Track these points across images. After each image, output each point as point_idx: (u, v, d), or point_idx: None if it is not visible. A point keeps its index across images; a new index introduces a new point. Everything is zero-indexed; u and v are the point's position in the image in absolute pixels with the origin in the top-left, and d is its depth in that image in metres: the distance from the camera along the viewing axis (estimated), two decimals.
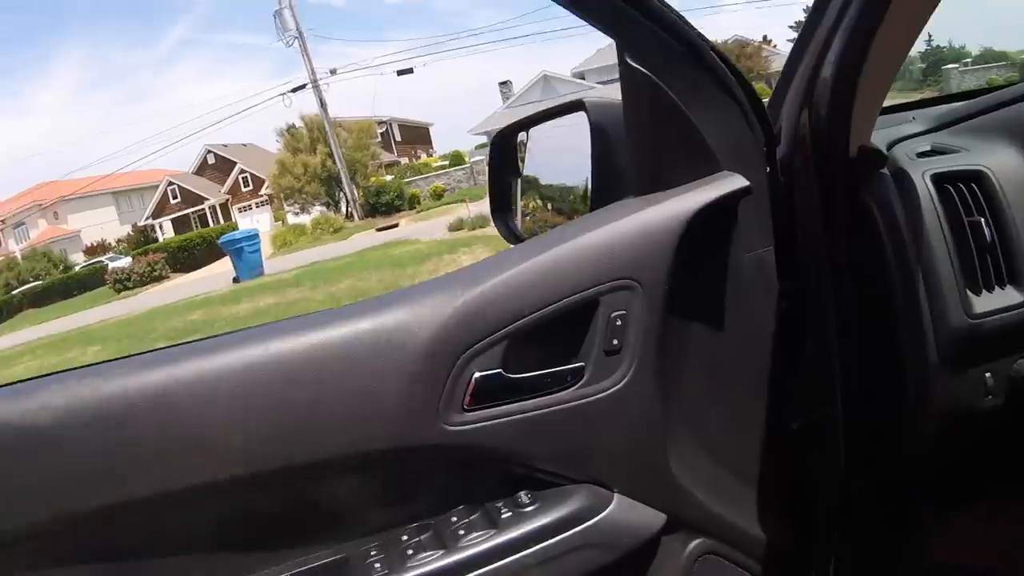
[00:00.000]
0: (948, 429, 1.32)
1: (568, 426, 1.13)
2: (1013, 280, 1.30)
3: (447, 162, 39.77)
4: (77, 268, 38.64)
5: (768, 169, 1.25)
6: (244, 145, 50.62)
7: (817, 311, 1.31)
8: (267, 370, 0.99)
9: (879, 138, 1.39)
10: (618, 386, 1.14)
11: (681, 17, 1.16)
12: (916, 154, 1.39)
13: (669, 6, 1.14)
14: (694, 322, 1.24)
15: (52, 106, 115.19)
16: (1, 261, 39.68)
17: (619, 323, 1.14)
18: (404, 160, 46.37)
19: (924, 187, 1.28)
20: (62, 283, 35.35)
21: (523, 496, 1.14)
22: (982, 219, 1.28)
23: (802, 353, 1.33)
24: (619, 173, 1.30)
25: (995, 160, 1.33)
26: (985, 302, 1.28)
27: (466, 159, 37.54)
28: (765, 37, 43.39)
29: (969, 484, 1.48)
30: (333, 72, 34.94)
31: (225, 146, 49.16)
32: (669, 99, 1.17)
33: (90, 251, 43.03)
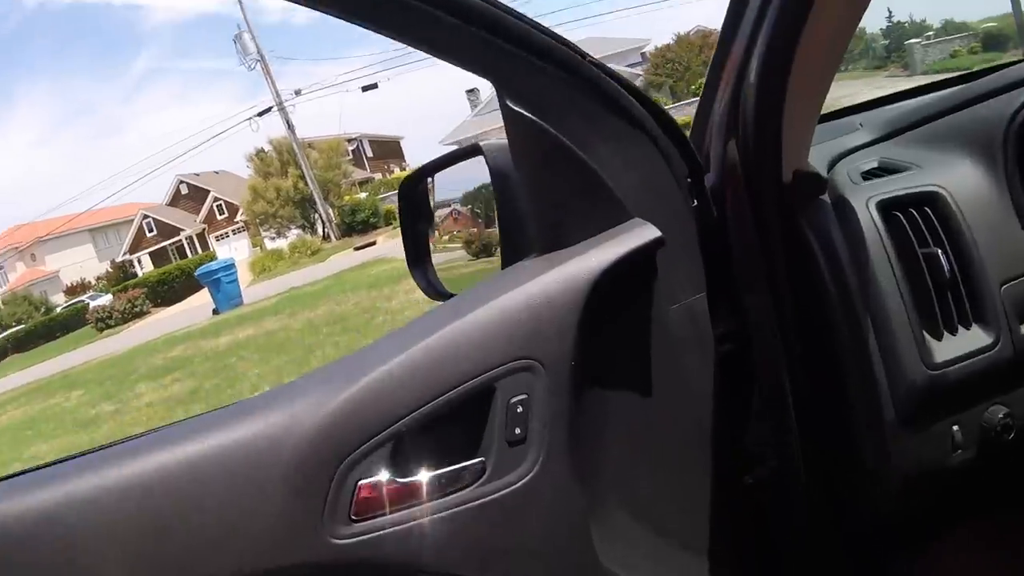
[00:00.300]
0: (913, 490, 1.18)
1: (474, 528, 1.01)
2: (979, 318, 1.15)
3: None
4: (58, 309, 38.41)
5: (696, 204, 1.15)
6: (216, 172, 50.27)
7: (763, 357, 1.19)
8: (150, 487, 0.91)
9: (819, 155, 1.28)
10: (526, 479, 1.01)
11: (571, 45, 1.06)
12: (861, 174, 1.27)
13: (555, 35, 1.05)
14: (615, 391, 1.12)
15: (20, 147, 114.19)
16: None
17: (520, 410, 1.02)
18: (378, 176, 46.17)
19: (869, 217, 1.14)
20: (44, 325, 35.18)
21: None
22: (939, 250, 1.13)
23: (750, 401, 1.24)
24: (527, 223, 1.17)
25: (952, 177, 1.19)
26: (947, 348, 1.13)
27: None
28: None
29: (940, 529, 1.35)
30: (298, 93, 34.65)
31: (197, 175, 48.70)
32: (559, 142, 1.05)
33: (71, 291, 42.75)
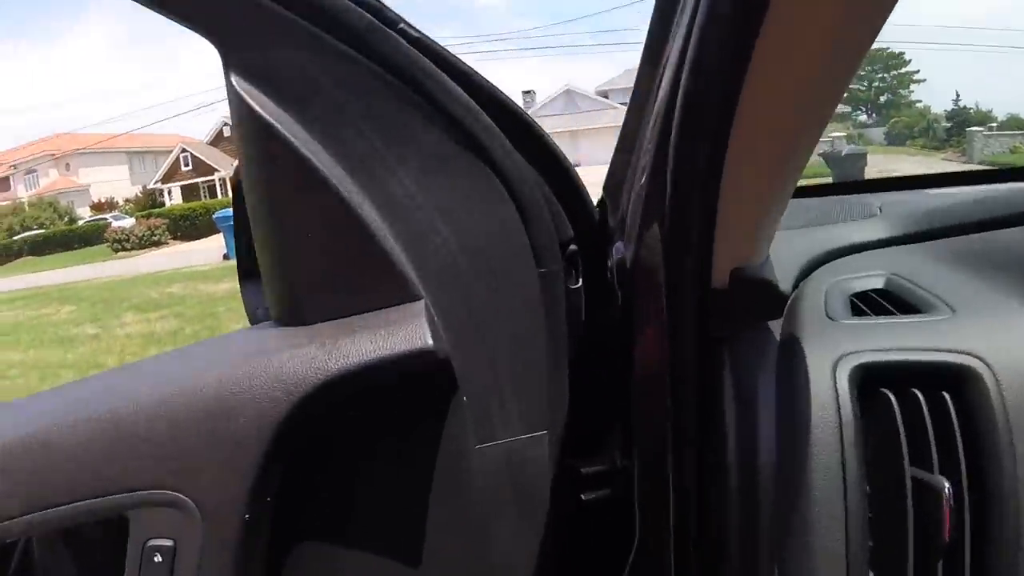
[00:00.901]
0: None
1: None
2: None
3: None
4: (81, 222, 38.52)
5: (579, 285, 0.85)
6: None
7: (645, 530, 0.81)
8: None
9: (797, 248, 0.85)
10: None
11: (389, 17, 0.73)
12: (850, 297, 0.76)
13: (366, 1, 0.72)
14: (364, 561, 0.81)
15: (80, 55, 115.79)
16: (7, 205, 39.64)
17: (157, 559, 0.70)
18: None
19: (831, 389, 0.63)
20: (64, 235, 35.27)
21: None
22: (944, 481, 0.58)
23: None
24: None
25: (1004, 338, 0.62)
26: None
27: None
28: None
29: None
30: None
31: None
32: (310, 163, 0.72)
33: (97, 207, 42.85)
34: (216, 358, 0.76)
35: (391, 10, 0.72)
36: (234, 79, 0.70)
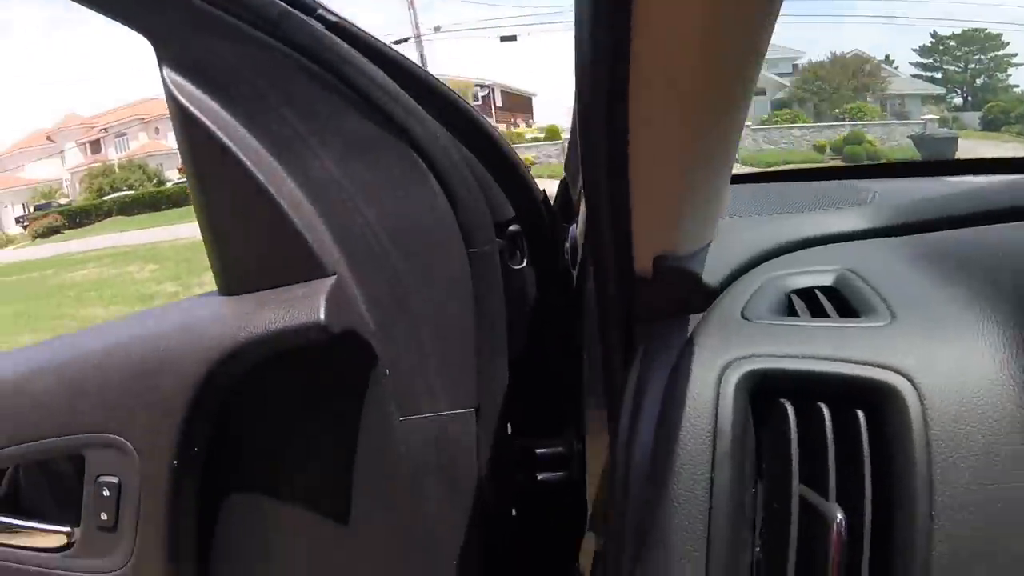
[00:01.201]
0: None
1: None
2: None
3: (542, 135, 39.37)
4: (169, 184, 39.60)
5: (525, 264, 0.85)
6: None
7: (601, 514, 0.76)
8: None
9: (754, 237, 0.77)
10: (114, 573, 0.84)
11: (307, 4, 0.75)
12: (788, 294, 0.68)
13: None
14: (279, 503, 0.88)
15: None
16: (98, 167, 40.97)
17: (106, 493, 0.82)
18: (502, 127, 46.29)
19: (713, 398, 0.56)
20: (152, 196, 36.28)
21: None
22: (838, 510, 0.50)
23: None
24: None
25: (945, 355, 0.53)
26: None
27: (561, 135, 36.70)
28: (887, 57, 41.90)
29: None
30: (437, 29, 34.83)
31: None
32: (240, 140, 0.78)
33: (184, 171, 44.02)
34: (157, 323, 0.86)
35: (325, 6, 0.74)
36: (165, 72, 0.75)
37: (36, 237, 32.45)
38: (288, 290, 0.80)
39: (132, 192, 37.62)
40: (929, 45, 39.82)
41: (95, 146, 44.01)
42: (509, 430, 0.91)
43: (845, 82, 32.53)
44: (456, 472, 0.86)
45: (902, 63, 41.46)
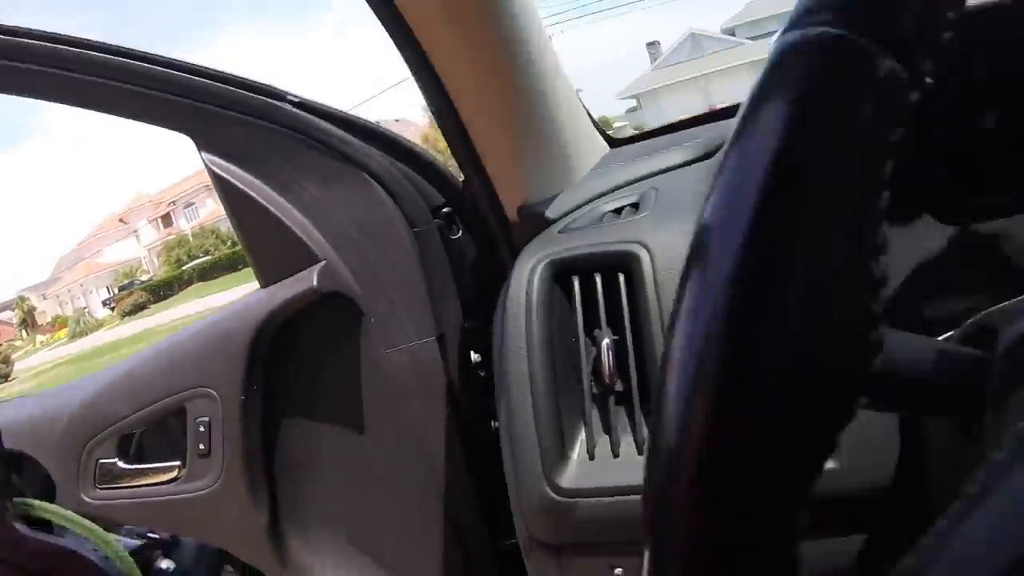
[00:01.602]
0: None
1: (178, 517, 1.20)
2: (636, 431, 0.82)
3: None
4: None
5: (445, 239, 1.15)
6: (397, 120, 51.61)
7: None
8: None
9: (589, 186, 1.07)
10: (211, 488, 1.17)
11: (270, 91, 1.10)
12: (606, 212, 0.99)
13: (253, 85, 1.10)
14: (321, 425, 1.21)
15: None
16: (173, 238, 42.27)
17: (202, 429, 1.17)
18: None
19: (528, 282, 0.88)
20: (229, 258, 37.24)
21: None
22: (607, 335, 0.85)
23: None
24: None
25: (665, 231, 0.86)
26: (591, 472, 0.82)
27: (612, 124, 36.40)
28: None
29: None
30: None
31: (377, 123, 50.13)
32: (241, 191, 1.10)
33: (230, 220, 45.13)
34: (226, 311, 1.19)
35: (278, 88, 1.11)
36: (203, 155, 1.10)
37: (124, 316, 33.52)
38: (297, 276, 1.12)
39: (209, 257, 38.76)
40: None
41: (166, 220, 45.37)
42: (473, 358, 1.17)
43: None
44: (431, 387, 1.11)
45: None
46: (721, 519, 0.29)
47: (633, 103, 36.14)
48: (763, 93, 0.30)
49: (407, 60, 0.98)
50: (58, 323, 35.77)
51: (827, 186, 0.27)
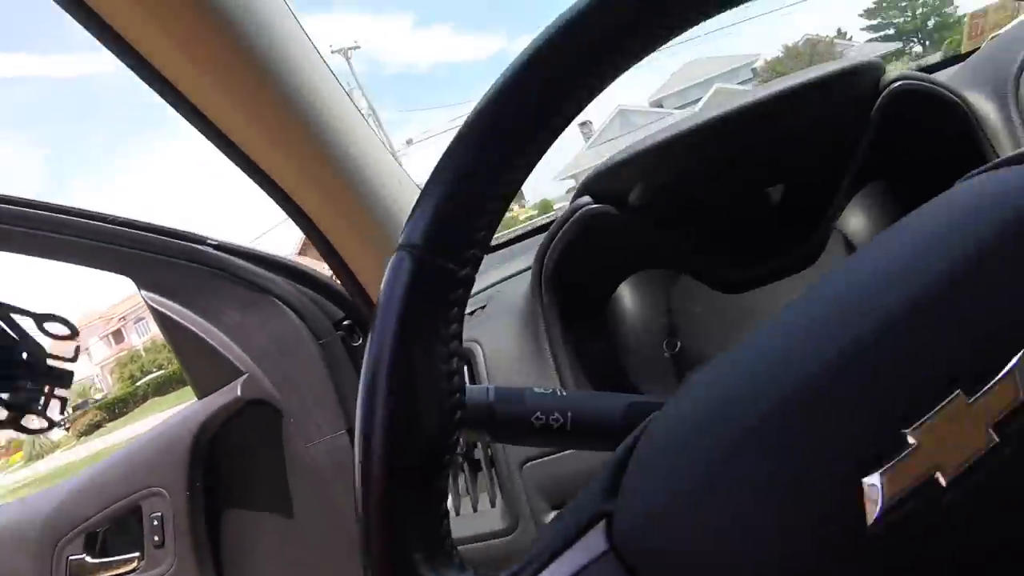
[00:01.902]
0: None
1: None
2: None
3: (536, 211, 39.40)
4: None
5: (348, 346, 1.34)
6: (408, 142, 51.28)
7: None
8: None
9: None
10: (166, 575, 1.34)
11: (190, 237, 1.29)
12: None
13: (179, 233, 1.28)
14: (260, 513, 1.39)
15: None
16: (125, 354, 41.70)
17: (156, 523, 1.34)
18: None
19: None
20: (182, 372, 36.71)
21: None
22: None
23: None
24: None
25: (499, 328, 1.13)
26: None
27: (553, 207, 36.51)
28: (839, 30, 42.21)
29: None
30: (409, 143, 35.37)
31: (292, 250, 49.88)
32: (173, 320, 1.30)
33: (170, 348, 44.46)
34: (170, 422, 1.36)
35: (198, 234, 1.28)
36: (143, 293, 1.28)
37: (80, 436, 32.87)
38: (226, 388, 1.30)
39: (163, 372, 37.95)
40: (872, 6, 40.37)
41: (117, 336, 44.85)
42: None
43: (801, 68, 32.28)
44: (346, 470, 1.25)
45: (854, 31, 41.85)
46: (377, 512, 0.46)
47: (572, 183, 36.57)
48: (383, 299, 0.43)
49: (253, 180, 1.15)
50: (13, 446, 34.92)
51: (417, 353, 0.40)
